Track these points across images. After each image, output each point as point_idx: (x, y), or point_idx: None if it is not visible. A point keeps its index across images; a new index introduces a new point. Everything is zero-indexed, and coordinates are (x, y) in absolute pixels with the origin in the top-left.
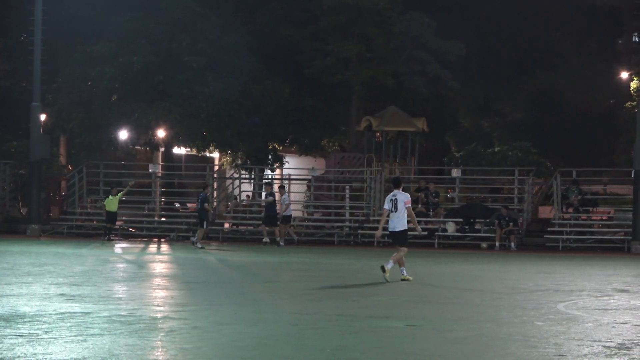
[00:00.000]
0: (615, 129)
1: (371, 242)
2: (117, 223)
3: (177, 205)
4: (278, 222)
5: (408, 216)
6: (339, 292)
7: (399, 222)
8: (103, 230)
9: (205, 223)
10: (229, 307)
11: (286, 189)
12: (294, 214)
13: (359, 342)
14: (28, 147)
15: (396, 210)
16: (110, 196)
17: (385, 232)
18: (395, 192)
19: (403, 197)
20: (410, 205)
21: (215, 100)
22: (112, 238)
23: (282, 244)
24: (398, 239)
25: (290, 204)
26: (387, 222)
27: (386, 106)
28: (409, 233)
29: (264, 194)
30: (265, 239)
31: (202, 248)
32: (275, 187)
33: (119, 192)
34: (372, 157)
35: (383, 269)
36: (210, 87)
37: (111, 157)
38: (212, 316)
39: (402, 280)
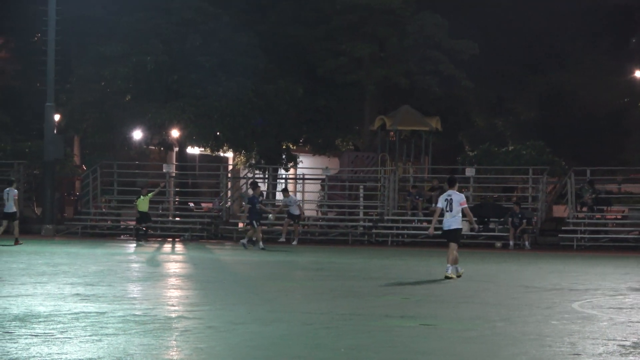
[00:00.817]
0: (626, 128)
1: (385, 241)
2: (130, 223)
3: (191, 205)
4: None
5: (466, 216)
6: (353, 291)
7: (455, 221)
8: (135, 231)
9: (255, 223)
10: (243, 306)
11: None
12: (308, 213)
13: (373, 342)
14: (42, 148)
15: (451, 210)
16: (141, 196)
17: (437, 232)
18: (450, 191)
19: (459, 198)
20: (466, 205)
21: (228, 100)
22: (144, 238)
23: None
24: (451, 237)
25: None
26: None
27: (399, 105)
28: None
29: (282, 198)
30: (295, 242)
31: (263, 249)
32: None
33: (150, 192)
34: (385, 157)
35: (448, 277)
36: (222, 86)
37: (125, 157)
38: (226, 316)
39: (446, 277)
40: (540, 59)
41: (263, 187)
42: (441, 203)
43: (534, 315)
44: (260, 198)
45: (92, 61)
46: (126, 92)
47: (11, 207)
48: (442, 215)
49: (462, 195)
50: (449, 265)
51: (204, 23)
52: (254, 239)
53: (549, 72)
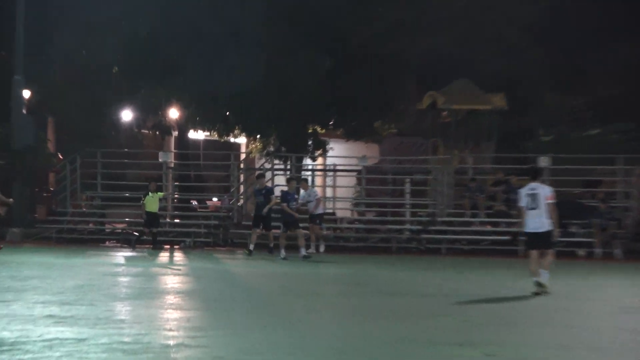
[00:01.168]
0: None
1: (438, 249)
2: (119, 225)
3: (194, 203)
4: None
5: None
6: (397, 311)
7: (543, 221)
8: (136, 237)
9: (285, 226)
10: (259, 331)
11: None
12: (340, 213)
13: None
14: (8, 132)
15: (537, 207)
16: (149, 194)
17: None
18: (533, 184)
19: (545, 192)
20: (553, 200)
21: (241, 75)
22: (158, 246)
23: (311, 250)
24: (543, 242)
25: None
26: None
27: (451, 80)
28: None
29: (302, 192)
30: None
31: (284, 259)
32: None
33: (160, 188)
34: (437, 143)
35: (539, 284)
36: (232, 59)
37: (112, 144)
38: (238, 343)
39: (539, 286)
40: (626, 24)
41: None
42: (524, 200)
43: (624, 343)
44: (296, 196)
45: (75, 30)
46: (114, 66)
47: None
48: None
49: (550, 189)
50: (543, 270)
51: None
52: (271, 245)
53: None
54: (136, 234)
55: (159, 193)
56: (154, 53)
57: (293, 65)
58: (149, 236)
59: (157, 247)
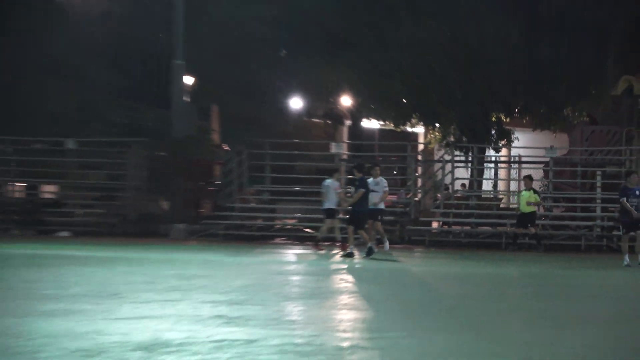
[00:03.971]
0: None
1: (632, 246)
2: (289, 221)
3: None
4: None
5: None
6: (591, 316)
7: None
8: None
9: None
10: (441, 334)
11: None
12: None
13: None
14: (168, 121)
15: None
16: (523, 192)
17: None
18: None
19: None
20: None
21: (417, 52)
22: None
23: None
24: None
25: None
26: None
27: None
28: None
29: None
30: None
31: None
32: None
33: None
34: (632, 132)
35: None
36: (406, 31)
37: (279, 134)
38: (418, 346)
39: None
40: None
41: (466, 173)
42: None
43: None
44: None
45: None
46: (277, 43)
47: None
48: None
49: None
50: None
51: None
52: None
53: None
54: (308, 231)
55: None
56: (319, 27)
57: (477, 36)
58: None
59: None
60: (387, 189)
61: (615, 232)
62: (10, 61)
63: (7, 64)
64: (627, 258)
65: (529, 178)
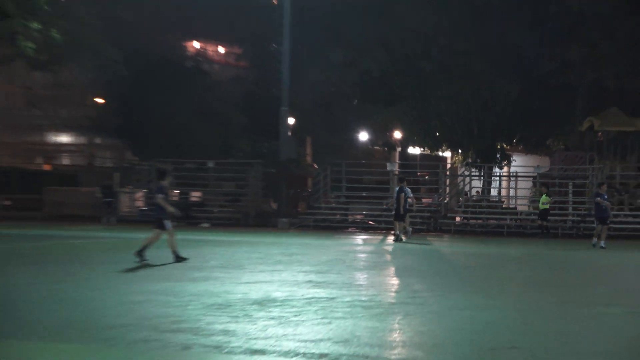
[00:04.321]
0: None
1: (591, 234)
2: (357, 217)
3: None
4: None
5: None
6: (561, 281)
7: None
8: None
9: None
10: (461, 293)
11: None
12: (520, 208)
13: (581, 328)
14: (277, 148)
15: None
16: (543, 196)
17: None
18: None
19: None
20: None
21: (447, 102)
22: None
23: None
24: None
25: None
26: None
27: (608, 106)
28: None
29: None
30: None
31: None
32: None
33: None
34: (594, 156)
35: None
36: (441, 90)
37: (352, 156)
38: (444, 302)
39: None
40: None
41: (479, 183)
42: None
43: None
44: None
45: (322, 67)
46: (353, 96)
47: None
48: None
49: None
50: None
51: (425, 30)
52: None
53: None
54: (371, 223)
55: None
56: (383, 85)
57: (489, 93)
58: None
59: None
60: (411, 194)
61: (581, 224)
62: (174, 110)
63: (172, 113)
64: (595, 240)
65: (545, 186)
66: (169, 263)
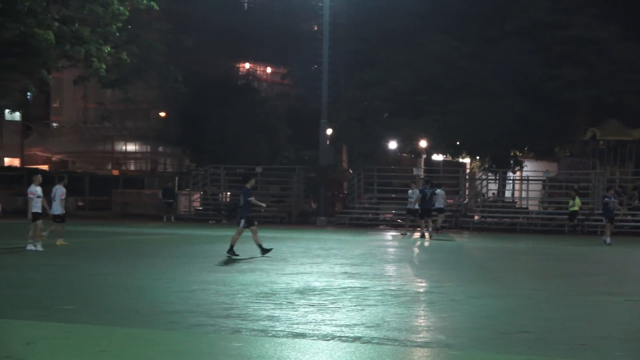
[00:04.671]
0: None
1: (595, 231)
2: (387, 215)
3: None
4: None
5: None
6: (568, 272)
7: None
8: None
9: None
10: (478, 283)
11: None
12: (531, 208)
13: (584, 314)
14: (317, 155)
15: None
16: (577, 198)
17: None
18: None
19: None
20: None
21: (466, 116)
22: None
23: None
24: None
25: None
26: None
27: (608, 119)
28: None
29: (410, 190)
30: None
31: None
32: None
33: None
34: (595, 162)
35: None
36: (461, 105)
37: (382, 162)
38: (465, 291)
39: None
40: None
41: (495, 186)
42: None
43: None
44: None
45: (357, 86)
46: (384, 111)
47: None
48: None
49: None
50: None
51: (447, 54)
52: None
53: None
54: (399, 221)
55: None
56: (410, 101)
57: (502, 108)
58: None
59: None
60: (419, 195)
61: (585, 222)
62: (228, 123)
63: (226, 125)
64: (607, 239)
65: (575, 191)
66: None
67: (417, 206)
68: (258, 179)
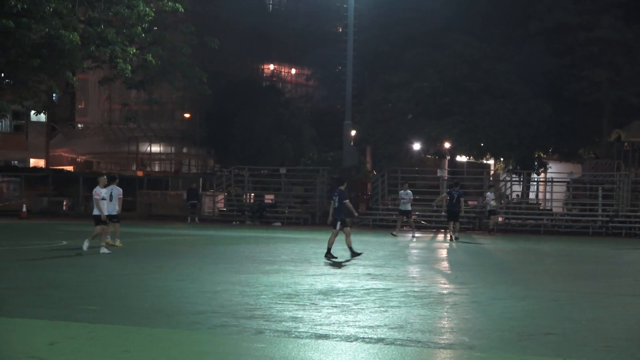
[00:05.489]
0: None
1: (619, 233)
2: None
3: None
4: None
5: None
6: (592, 274)
7: None
8: None
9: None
10: (501, 285)
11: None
12: (555, 210)
13: (609, 315)
14: (341, 157)
15: None
16: None
17: None
18: None
19: None
20: None
21: (490, 118)
22: None
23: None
24: None
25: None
26: None
27: (632, 121)
28: None
29: (402, 191)
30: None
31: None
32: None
33: None
34: (620, 164)
35: None
36: (485, 106)
37: (406, 164)
38: (488, 293)
39: None
40: None
41: (519, 187)
42: None
43: None
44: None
45: (380, 87)
46: (408, 112)
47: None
48: None
49: None
50: None
51: (470, 55)
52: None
53: None
54: (423, 222)
55: None
56: (434, 103)
57: (526, 110)
58: None
59: None
60: (411, 197)
61: (610, 224)
62: (252, 124)
63: (250, 126)
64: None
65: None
66: (245, 257)
67: (409, 207)
68: (282, 179)
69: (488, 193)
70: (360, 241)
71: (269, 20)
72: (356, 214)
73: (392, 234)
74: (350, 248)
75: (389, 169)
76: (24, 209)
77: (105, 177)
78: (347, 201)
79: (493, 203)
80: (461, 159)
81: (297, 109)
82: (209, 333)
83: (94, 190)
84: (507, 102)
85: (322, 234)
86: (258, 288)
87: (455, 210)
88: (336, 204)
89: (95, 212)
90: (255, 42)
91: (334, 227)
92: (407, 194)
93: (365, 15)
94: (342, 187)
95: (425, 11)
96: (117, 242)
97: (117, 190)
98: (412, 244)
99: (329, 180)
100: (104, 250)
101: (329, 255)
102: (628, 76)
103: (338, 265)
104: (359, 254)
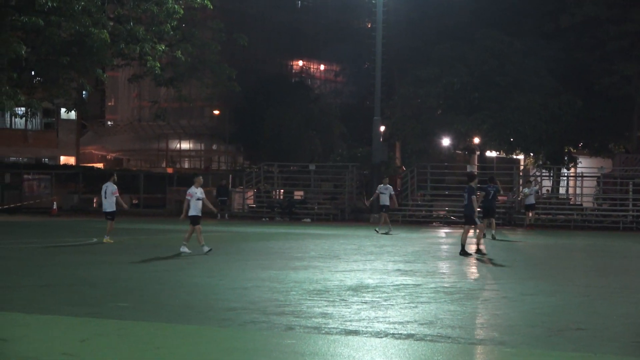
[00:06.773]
0: None
1: None
2: (441, 213)
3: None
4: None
5: None
6: (623, 269)
7: None
8: None
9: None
10: (531, 280)
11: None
12: (585, 204)
13: None
14: (370, 152)
15: None
16: None
17: None
18: None
19: None
20: None
21: (520, 112)
22: None
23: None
24: None
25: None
26: None
27: None
28: None
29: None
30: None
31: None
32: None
33: None
34: None
35: None
36: (515, 101)
37: (436, 159)
38: (518, 288)
39: None
40: None
41: (549, 183)
42: None
43: None
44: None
45: (410, 83)
46: (437, 107)
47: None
48: None
49: None
50: None
51: (500, 50)
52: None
53: None
54: (453, 218)
55: None
56: (463, 98)
57: (557, 104)
58: None
59: None
60: (392, 192)
61: None
62: (282, 120)
63: (280, 122)
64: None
65: None
66: (274, 252)
67: (387, 201)
68: (312, 176)
69: (526, 189)
70: (389, 237)
71: (298, 17)
72: (475, 212)
73: (375, 230)
74: (462, 246)
75: (418, 165)
76: (55, 207)
77: (201, 177)
78: (474, 197)
79: (532, 199)
80: (491, 154)
81: (326, 105)
82: (239, 329)
83: (188, 190)
84: (537, 97)
85: (351, 229)
86: (288, 284)
87: (491, 206)
88: (466, 200)
89: (192, 212)
90: (284, 38)
91: (472, 223)
92: (386, 188)
93: (394, 10)
94: (472, 184)
95: (454, 5)
96: (108, 239)
97: (112, 188)
98: (442, 240)
99: (359, 176)
100: (184, 249)
101: (478, 251)
102: None
103: (368, 261)
104: (468, 254)
